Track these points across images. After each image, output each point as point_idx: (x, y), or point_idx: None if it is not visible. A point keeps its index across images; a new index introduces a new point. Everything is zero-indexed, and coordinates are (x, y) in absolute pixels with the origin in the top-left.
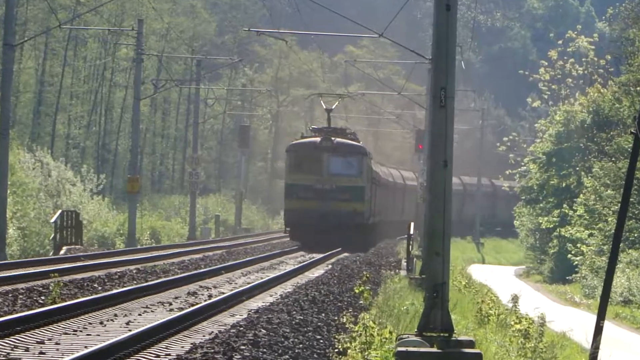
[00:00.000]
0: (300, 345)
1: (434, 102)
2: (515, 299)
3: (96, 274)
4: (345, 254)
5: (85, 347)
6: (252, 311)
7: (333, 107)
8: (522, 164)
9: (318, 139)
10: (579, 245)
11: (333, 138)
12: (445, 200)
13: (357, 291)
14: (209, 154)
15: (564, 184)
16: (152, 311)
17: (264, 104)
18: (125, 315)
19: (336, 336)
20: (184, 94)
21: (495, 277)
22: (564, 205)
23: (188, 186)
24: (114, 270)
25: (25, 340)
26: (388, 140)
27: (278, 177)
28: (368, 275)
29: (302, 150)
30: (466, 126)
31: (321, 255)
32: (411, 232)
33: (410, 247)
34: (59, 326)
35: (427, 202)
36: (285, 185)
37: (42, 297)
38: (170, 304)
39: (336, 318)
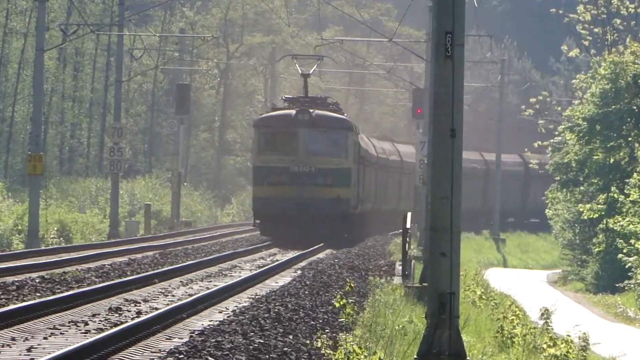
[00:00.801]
0: None
1: (437, 51)
2: (547, 313)
3: None
4: (319, 255)
5: None
6: (196, 333)
7: (311, 71)
8: (556, 133)
9: (293, 112)
10: (632, 241)
11: (311, 110)
12: (454, 182)
13: (336, 305)
14: (137, 123)
15: (612, 160)
16: (61, 333)
17: (209, 55)
18: (27, 339)
19: None
20: (103, 43)
21: (521, 284)
22: (613, 188)
23: (108, 166)
24: (10, 279)
25: None
26: (376, 103)
27: (228, 152)
28: (352, 284)
29: (273, 125)
30: (481, 83)
31: (289, 257)
32: (408, 225)
33: (407, 245)
34: None
35: (429, 186)
36: (254, 169)
37: None
38: (86, 324)
39: (308, 341)
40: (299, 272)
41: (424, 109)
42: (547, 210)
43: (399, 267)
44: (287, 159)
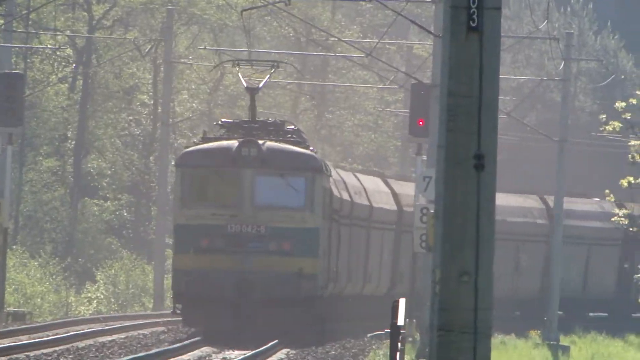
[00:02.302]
0: None
1: (453, 19)
2: None
3: None
4: None
5: None
6: None
7: (261, 84)
8: None
9: (234, 144)
10: None
11: (261, 141)
12: (480, 246)
13: None
14: None
15: None
16: None
17: (57, 24)
18: None
19: None
20: None
21: None
22: None
23: None
24: None
25: None
26: (346, 109)
27: (90, 193)
28: None
29: (204, 165)
30: (530, 76)
31: None
32: (400, 321)
33: (399, 356)
34: None
35: (437, 253)
36: (175, 228)
37: None
38: None
39: None
40: None
41: (429, 119)
42: None
43: None
44: (225, 215)
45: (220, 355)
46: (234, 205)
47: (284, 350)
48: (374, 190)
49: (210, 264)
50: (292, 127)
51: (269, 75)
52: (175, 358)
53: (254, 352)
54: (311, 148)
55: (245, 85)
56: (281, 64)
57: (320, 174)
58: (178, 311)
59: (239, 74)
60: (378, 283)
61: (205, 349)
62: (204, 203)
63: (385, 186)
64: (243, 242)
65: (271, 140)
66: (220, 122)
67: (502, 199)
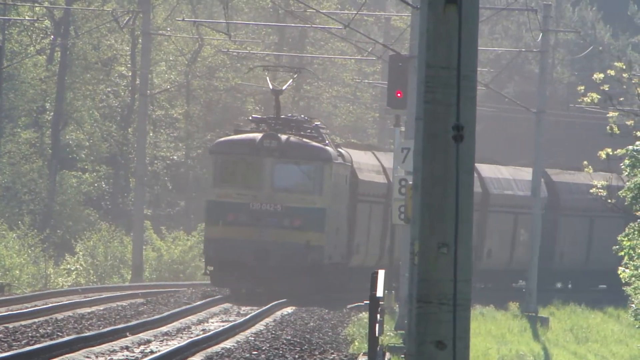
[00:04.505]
0: None
1: None
2: None
3: None
4: (240, 337)
5: None
6: None
7: (285, 87)
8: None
9: (258, 136)
10: None
11: (281, 135)
12: (460, 218)
13: None
14: None
15: None
16: None
17: None
18: None
19: None
20: None
21: None
22: None
23: None
24: None
25: None
26: (324, 81)
27: (68, 165)
28: None
29: (233, 153)
30: (507, 48)
31: (175, 345)
32: (379, 293)
33: (379, 328)
34: None
35: (416, 224)
36: (207, 204)
37: None
38: None
39: None
40: None
41: (407, 91)
42: (620, 270)
43: None
44: (248, 195)
45: (238, 310)
46: (256, 187)
47: (289, 308)
48: (365, 164)
49: (235, 235)
50: (316, 124)
51: (291, 80)
52: (116, 340)
53: (265, 307)
54: (326, 142)
55: (271, 87)
56: (303, 70)
57: (329, 163)
58: (208, 272)
59: (267, 78)
60: (366, 254)
61: (226, 305)
62: (231, 184)
63: (375, 159)
64: (262, 218)
65: (291, 134)
66: (250, 118)
67: (500, 172)
